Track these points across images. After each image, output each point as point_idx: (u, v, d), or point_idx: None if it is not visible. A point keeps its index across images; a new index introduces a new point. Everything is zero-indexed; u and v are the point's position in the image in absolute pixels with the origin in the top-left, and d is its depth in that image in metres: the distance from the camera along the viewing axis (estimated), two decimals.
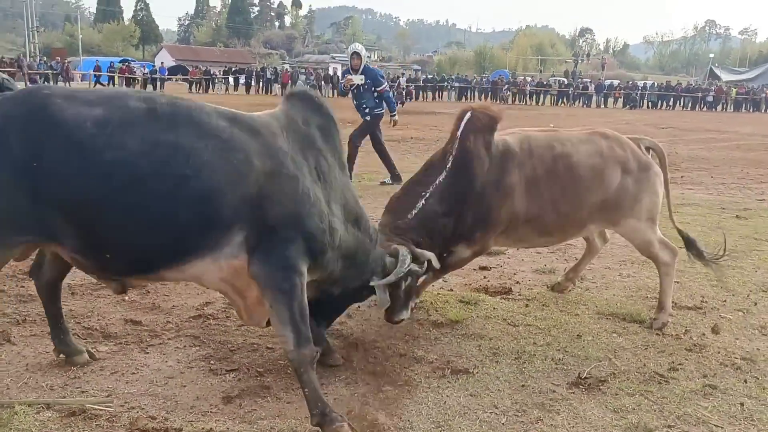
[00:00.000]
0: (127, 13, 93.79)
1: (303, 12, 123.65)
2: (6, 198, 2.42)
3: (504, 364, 3.51)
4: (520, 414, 3.00)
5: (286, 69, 42.79)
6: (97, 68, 38.35)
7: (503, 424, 2.91)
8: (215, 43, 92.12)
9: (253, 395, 3.08)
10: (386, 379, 3.31)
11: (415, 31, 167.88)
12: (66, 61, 37.38)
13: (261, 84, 40.06)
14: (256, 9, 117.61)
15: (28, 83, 31.57)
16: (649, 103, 39.97)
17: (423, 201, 3.75)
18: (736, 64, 72.17)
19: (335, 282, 3.20)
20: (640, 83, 44.41)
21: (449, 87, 43.29)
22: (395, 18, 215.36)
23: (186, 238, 2.64)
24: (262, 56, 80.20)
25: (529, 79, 47.81)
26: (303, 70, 44.42)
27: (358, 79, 8.66)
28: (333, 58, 76.00)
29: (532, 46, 76.44)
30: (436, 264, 3.58)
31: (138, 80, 36.66)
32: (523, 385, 3.28)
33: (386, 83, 9.07)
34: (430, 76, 49.07)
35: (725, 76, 56.32)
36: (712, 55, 75.41)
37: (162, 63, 45.58)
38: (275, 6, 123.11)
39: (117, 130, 2.50)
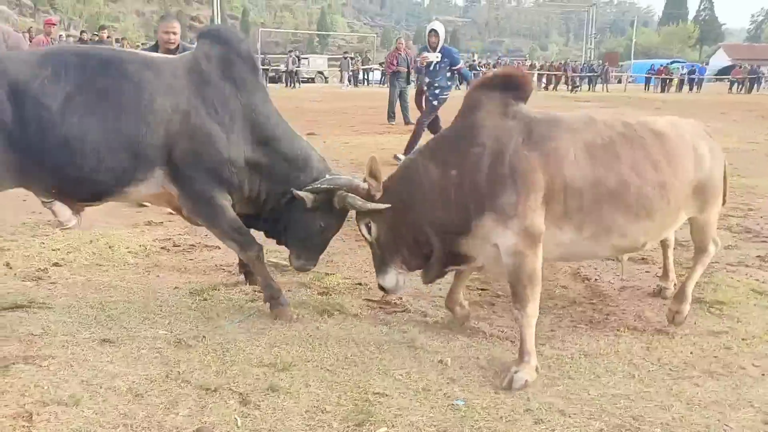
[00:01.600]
0: (693, 14, 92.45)
1: None
2: None
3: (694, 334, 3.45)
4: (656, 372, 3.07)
5: None
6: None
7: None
8: None
9: None
10: (587, 323, 3.69)
11: None
12: (608, 64, 39.81)
13: None
14: None
15: (569, 84, 35.08)
16: None
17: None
18: None
19: (267, 199, 3.62)
20: None
21: None
22: None
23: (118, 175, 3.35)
24: None
25: None
26: None
27: (433, 56, 8.64)
28: None
29: None
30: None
31: (673, 81, 36.72)
32: (693, 346, 3.25)
33: (462, 62, 8.86)
34: None
35: None
36: None
37: (705, 63, 44.07)
38: None
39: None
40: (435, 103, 9.00)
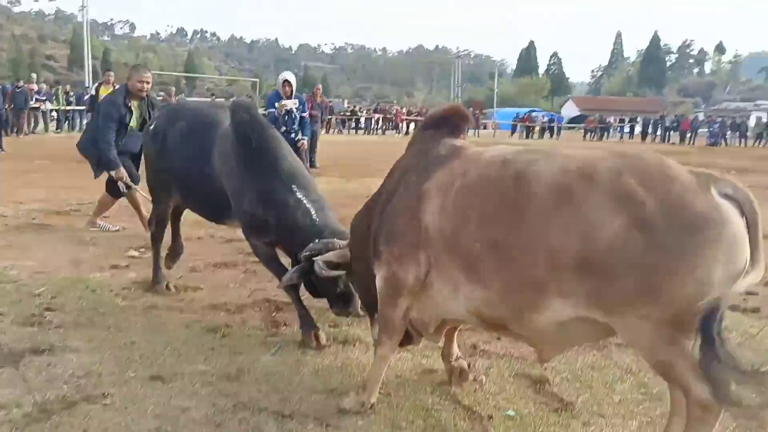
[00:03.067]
0: (543, 68, 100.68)
1: (727, 57, 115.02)
2: None
3: None
4: None
5: (686, 117, 40.98)
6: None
7: None
8: (625, 93, 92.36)
9: None
10: None
11: None
12: (479, 111, 42.40)
13: (659, 132, 39.18)
14: (673, 56, 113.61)
15: None
16: None
17: None
18: None
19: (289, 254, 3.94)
20: None
21: None
22: None
23: (219, 210, 4.29)
24: (674, 105, 77.52)
25: None
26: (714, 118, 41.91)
27: (291, 103, 9.30)
28: (756, 105, 69.19)
29: None
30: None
31: (535, 128, 39.83)
32: None
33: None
34: None
35: None
36: None
37: (560, 113, 48.13)
38: (695, 53, 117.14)
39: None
40: (300, 144, 9.32)
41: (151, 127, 4.80)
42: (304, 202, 3.82)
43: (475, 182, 2.63)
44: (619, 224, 2.20)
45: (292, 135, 9.19)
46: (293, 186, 3.85)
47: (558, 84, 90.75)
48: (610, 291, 2.25)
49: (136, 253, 5.93)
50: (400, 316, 2.94)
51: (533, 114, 44.25)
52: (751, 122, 41.46)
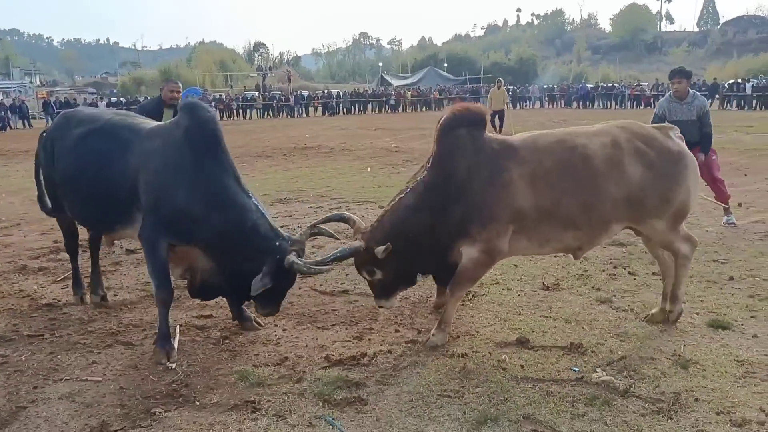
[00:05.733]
0: None
1: None
2: None
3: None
4: None
5: None
6: None
7: None
8: None
9: None
10: None
11: (74, 51, 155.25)
12: None
13: None
14: None
15: None
16: (345, 110, 44.41)
17: (396, 200, 3.96)
18: (399, 70, 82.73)
19: (222, 257, 3.92)
20: (334, 92, 49.03)
21: None
22: (47, 38, 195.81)
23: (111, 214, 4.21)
24: None
25: (219, 95, 48.88)
26: None
27: None
28: None
29: (216, 63, 77.86)
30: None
31: None
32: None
33: None
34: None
35: (395, 82, 64.64)
36: (381, 64, 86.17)
37: None
38: None
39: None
40: None
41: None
42: (260, 207, 3.97)
43: (552, 168, 3.83)
44: (639, 169, 3.86)
45: None
46: (248, 191, 4.01)
47: None
48: (645, 210, 3.93)
49: None
50: (483, 275, 4.14)
51: None
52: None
